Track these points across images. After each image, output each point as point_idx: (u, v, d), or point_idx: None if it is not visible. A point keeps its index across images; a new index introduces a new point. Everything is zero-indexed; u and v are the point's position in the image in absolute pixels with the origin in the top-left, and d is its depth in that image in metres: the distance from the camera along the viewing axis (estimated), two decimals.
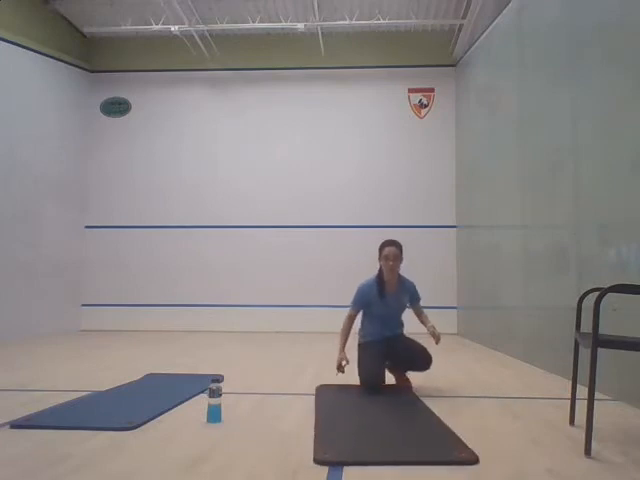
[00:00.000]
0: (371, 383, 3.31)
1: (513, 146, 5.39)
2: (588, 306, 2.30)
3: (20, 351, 5.60)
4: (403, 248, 3.49)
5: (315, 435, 2.36)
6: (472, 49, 7.13)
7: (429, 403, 2.97)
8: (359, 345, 3.53)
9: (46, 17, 7.66)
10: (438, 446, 2.25)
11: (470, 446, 2.18)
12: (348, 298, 8.26)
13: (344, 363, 3.33)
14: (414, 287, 3.56)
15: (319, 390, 3.37)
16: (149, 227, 8.17)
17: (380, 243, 3.54)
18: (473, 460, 2.05)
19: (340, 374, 3.35)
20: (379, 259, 3.50)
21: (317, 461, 2.03)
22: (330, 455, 2.08)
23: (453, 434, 2.39)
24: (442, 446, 2.24)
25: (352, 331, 3.50)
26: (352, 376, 3.37)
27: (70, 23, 8.05)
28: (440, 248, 7.71)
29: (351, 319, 3.51)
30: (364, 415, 2.77)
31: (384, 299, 3.46)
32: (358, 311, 3.53)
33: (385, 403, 3.04)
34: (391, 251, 3.43)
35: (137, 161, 8.31)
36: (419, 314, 3.60)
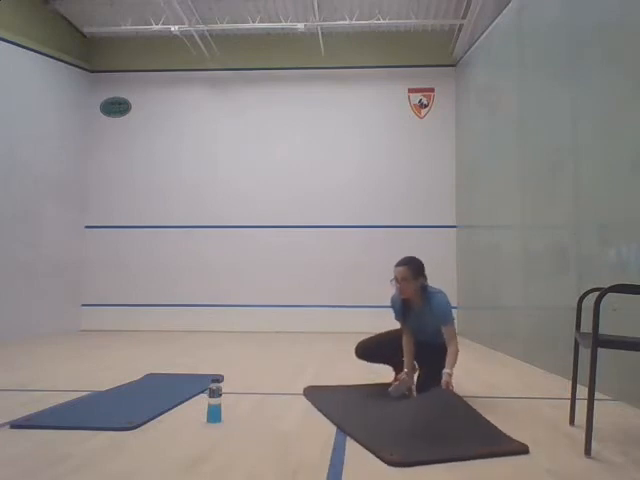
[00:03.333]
0: (368, 352, 3.36)
1: (513, 146, 5.40)
2: (588, 306, 2.30)
3: (20, 351, 5.60)
4: (422, 265, 3.19)
5: (360, 437, 2.30)
6: (472, 49, 7.13)
7: None
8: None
9: (46, 17, 7.66)
10: (488, 439, 2.28)
11: None
12: (348, 298, 8.33)
13: (408, 383, 3.12)
14: (442, 308, 3.12)
15: (312, 391, 3.32)
16: (149, 227, 8.17)
17: None
18: (524, 450, 2.13)
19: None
20: None
21: (389, 462, 2.00)
22: (398, 456, 2.04)
23: (491, 424, 2.43)
24: (492, 438, 2.29)
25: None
26: (345, 377, 3.36)
27: (70, 23, 8.05)
28: (440, 248, 7.71)
29: (406, 335, 3.26)
30: (395, 412, 2.68)
31: (407, 315, 3.26)
32: (401, 320, 3.29)
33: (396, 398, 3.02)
34: (398, 272, 3.14)
35: (137, 161, 8.31)
36: (446, 342, 3.09)
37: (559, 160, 4.27)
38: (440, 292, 3.20)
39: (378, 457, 2.06)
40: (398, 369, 3.47)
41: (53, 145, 7.74)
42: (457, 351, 3.03)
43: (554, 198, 4.37)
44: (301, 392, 3.35)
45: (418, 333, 3.32)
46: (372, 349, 3.37)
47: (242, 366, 4.61)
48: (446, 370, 2.93)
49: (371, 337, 3.45)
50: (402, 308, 3.24)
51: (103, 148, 8.33)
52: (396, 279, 3.15)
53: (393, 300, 3.32)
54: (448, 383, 2.85)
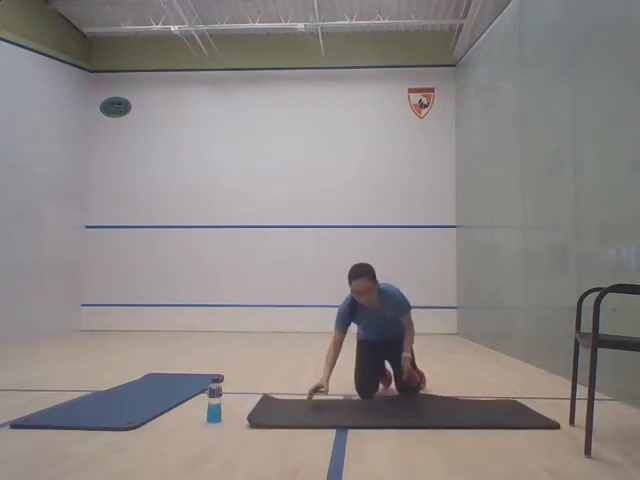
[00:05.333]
0: (364, 389, 3.21)
1: (513, 146, 5.39)
2: (588, 306, 2.30)
3: (20, 351, 5.60)
4: (372, 267, 3.07)
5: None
6: (472, 49, 7.13)
7: None
8: (357, 343, 3.46)
9: (46, 17, 7.66)
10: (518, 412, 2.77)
11: (469, 445, 2.19)
12: None
13: (322, 389, 2.89)
14: (398, 301, 3.13)
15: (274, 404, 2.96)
16: (149, 227, 8.17)
17: (349, 269, 3.06)
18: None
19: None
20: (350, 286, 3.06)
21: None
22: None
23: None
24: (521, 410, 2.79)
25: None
26: (344, 376, 3.35)
27: (70, 23, 8.05)
28: (440, 248, 7.69)
29: (336, 344, 3.10)
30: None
31: (365, 318, 3.21)
32: (342, 332, 3.14)
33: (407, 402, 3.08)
34: (359, 286, 2.99)
35: (137, 161, 8.31)
36: (405, 327, 3.19)
37: (559, 160, 4.27)
38: (389, 285, 3.19)
39: None
40: (386, 382, 3.50)
41: (53, 145, 7.74)
42: (413, 334, 3.20)
43: (554, 198, 4.37)
44: (301, 392, 3.33)
45: (382, 333, 3.31)
46: (368, 384, 3.25)
47: (242, 366, 4.61)
48: (404, 354, 3.10)
49: (357, 371, 3.31)
50: (350, 314, 3.13)
51: (103, 148, 8.33)
52: (358, 293, 3.02)
53: (343, 311, 3.16)
54: (409, 369, 3.05)
